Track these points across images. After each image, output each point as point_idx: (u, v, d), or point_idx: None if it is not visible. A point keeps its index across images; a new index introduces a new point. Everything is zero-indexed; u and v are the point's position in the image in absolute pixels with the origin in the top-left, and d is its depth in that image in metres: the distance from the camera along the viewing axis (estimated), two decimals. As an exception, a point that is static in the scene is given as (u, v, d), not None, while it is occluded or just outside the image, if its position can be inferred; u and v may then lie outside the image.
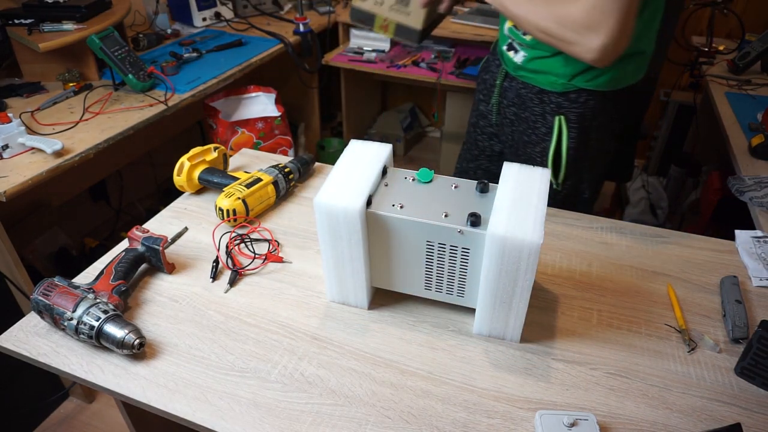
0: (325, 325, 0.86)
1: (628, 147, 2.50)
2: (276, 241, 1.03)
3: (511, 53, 1.17)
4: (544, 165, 1.17)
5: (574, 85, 1.09)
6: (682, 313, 0.88)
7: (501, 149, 1.34)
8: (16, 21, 1.69)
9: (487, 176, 1.37)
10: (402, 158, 3.01)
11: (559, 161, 1.16)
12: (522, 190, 0.77)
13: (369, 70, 2.41)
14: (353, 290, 0.87)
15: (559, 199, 1.21)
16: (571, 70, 1.08)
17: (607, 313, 0.88)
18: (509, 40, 1.17)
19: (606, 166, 1.25)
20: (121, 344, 0.77)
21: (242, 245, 1.01)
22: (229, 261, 0.97)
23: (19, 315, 1.14)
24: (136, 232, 0.96)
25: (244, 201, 1.04)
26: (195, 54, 2.00)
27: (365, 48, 2.51)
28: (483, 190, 0.81)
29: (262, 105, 2.32)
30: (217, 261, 0.97)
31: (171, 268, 0.96)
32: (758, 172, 1.40)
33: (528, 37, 1.10)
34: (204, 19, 2.30)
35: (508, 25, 1.16)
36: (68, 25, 1.70)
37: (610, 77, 1.09)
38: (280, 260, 0.99)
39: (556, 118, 1.13)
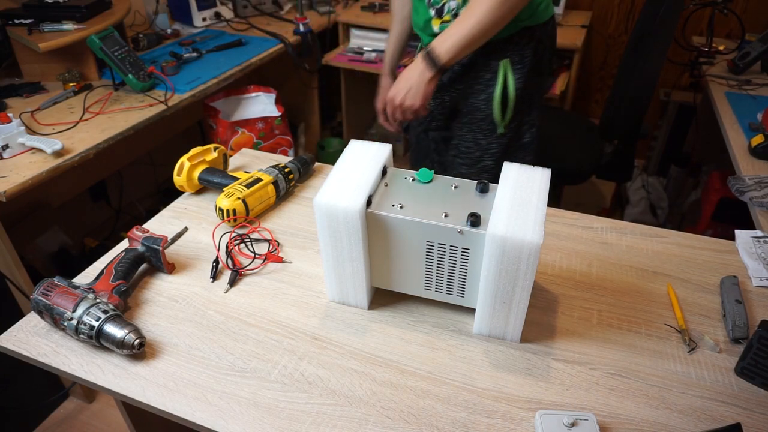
0: (325, 325, 0.86)
1: (628, 147, 2.50)
2: (276, 241, 1.03)
3: (437, 22, 1.23)
4: (489, 111, 1.25)
5: (518, 26, 1.17)
6: (682, 313, 0.88)
7: (443, 134, 1.39)
8: (16, 21, 1.69)
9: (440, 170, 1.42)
10: (402, 158, 3.01)
11: (505, 105, 1.23)
12: (522, 190, 0.77)
13: (369, 70, 2.41)
14: (353, 290, 0.87)
15: (502, 144, 1.28)
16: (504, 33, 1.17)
17: (607, 313, 0.88)
18: (432, 12, 1.23)
19: (539, 108, 1.34)
20: (121, 344, 0.78)
21: (242, 245, 1.01)
22: (229, 261, 0.97)
23: (19, 315, 1.15)
24: (136, 232, 0.96)
25: (244, 201, 1.04)
26: (195, 54, 2.00)
27: (365, 48, 2.51)
28: (483, 190, 0.81)
29: (262, 105, 2.32)
30: (217, 261, 0.97)
31: (171, 268, 0.96)
32: (758, 172, 1.40)
33: (455, 2, 1.18)
34: (204, 19, 2.30)
35: (436, 26, 1.23)
36: (68, 25, 1.70)
37: (545, 4, 1.20)
38: (280, 260, 0.99)
39: (501, 63, 1.20)
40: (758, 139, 1.46)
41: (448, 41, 1.10)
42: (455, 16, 1.17)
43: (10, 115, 1.39)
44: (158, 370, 0.78)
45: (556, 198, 2.36)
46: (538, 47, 1.23)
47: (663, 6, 1.64)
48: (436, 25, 1.23)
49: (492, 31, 1.10)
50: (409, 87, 1.15)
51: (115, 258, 0.92)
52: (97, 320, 0.78)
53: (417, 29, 1.33)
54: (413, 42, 1.50)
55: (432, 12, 1.22)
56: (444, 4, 1.19)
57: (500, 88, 1.22)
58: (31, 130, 1.48)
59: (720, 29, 2.35)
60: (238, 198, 1.04)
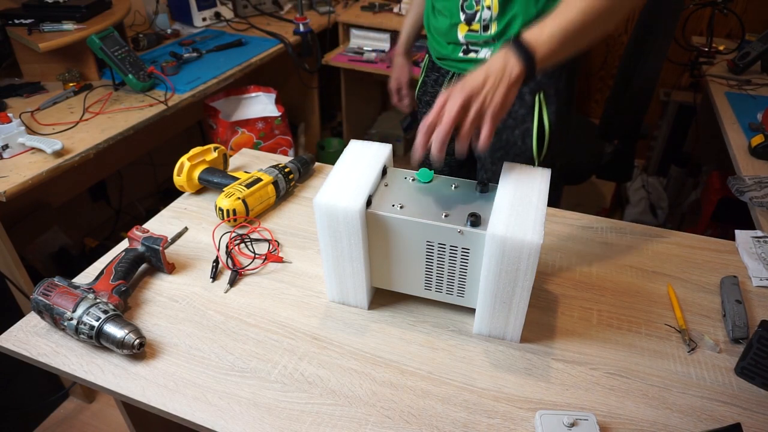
0: (325, 325, 0.86)
1: (628, 147, 2.50)
2: (276, 241, 1.03)
3: (471, 55, 1.14)
4: (527, 146, 1.15)
5: None
6: (682, 313, 0.88)
7: (462, 162, 1.30)
8: (16, 21, 1.69)
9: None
10: (402, 158, 3.01)
11: (541, 141, 1.15)
12: (522, 190, 0.77)
13: (369, 70, 2.41)
14: (353, 290, 0.87)
15: None
16: None
17: (607, 313, 0.88)
18: (463, 47, 1.14)
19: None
20: (121, 344, 0.77)
21: (242, 245, 1.01)
22: (229, 261, 0.97)
23: (19, 315, 1.14)
24: (136, 232, 0.96)
25: (244, 201, 1.04)
26: (195, 54, 2.00)
27: (365, 48, 2.51)
28: (483, 190, 0.81)
29: (262, 105, 2.32)
30: (217, 261, 0.97)
31: (171, 268, 0.96)
32: (758, 172, 1.40)
33: (491, 32, 1.07)
34: (204, 19, 2.30)
35: (461, 33, 1.11)
36: (68, 25, 1.70)
37: None
38: (280, 260, 0.98)
39: (536, 97, 1.12)
40: (758, 139, 1.46)
41: (545, 31, 0.80)
42: (485, 28, 1.08)
43: (10, 115, 1.39)
44: (158, 370, 0.78)
45: (556, 198, 2.35)
46: (572, 77, 1.15)
47: (663, 6, 1.64)
48: (461, 32, 1.12)
49: (598, 24, 0.83)
50: (486, 77, 0.78)
51: (115, 258, 0.92)
52: (97, 320, 0.78)
53: (434, 33, 1.19)
54: (417, 43, 1.44)
55: (462, 17, 1.10)
56: (477, 12, 1.07)
57: (537, 124, 1.13)
58: (31, 130, 1.48)
59: (720, 29, 2.35)
60: (238, 198, 1.04)
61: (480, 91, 0.76)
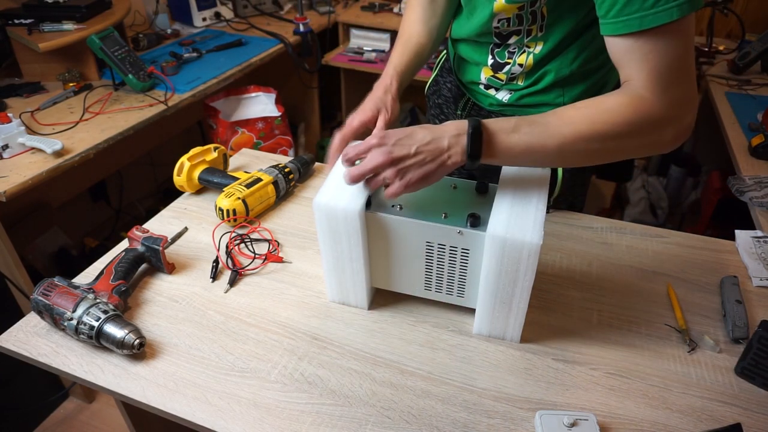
0: (325, 325, 0.86)
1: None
2: (276, 241, 1.03)
3: (491, 91, 1.05)
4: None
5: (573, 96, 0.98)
6: (682, 313, 0.87)
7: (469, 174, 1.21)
8: (16, 21, 1.69)
9: None
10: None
11: (553, 182, 1.04)
12: (522, 190, 0.77)
13: (369, 70, 2.41)
14: (353, 290, 0.87)
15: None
16: (568, 98, 0.98)
17: (607, 313, 0.88)
18: (482, 84, 1.05)
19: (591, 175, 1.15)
20: (121, 344, 0.77)
21: (242, 245, 1.01)
22: (229, 261, 0.97)
23: (19, 315, 1.14)
24: (136, 232, 0.96)
25: (244, 201, 1.04)
26: (195, 54, 2.00)
27: (365, 48, 2.51)
28: (483, 190, 0.81)
29: (262, 105, 2.32)
30: (217, 261, 0.97)
31: (171, 268, 0.96)
32: (758, 172, 1.40)
33: (518, 83, 0.99)
34: (204, 19, 2.30)
35: (484, 74, 1.02)
36: (68, 25, 1.70)
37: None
38: (280, 260, 0.98)
39: None
40: (758, 139, 1.46)
41: (514, 136, 0.72)
42: (511, 80, 0.99)
43: (10, 115, 1.39)
44: (158, 370, 0.78)
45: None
46: None
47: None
48: (485, 74, 1.02)
49: (575, 159, 0.76)
50: (419, 150, 0.71)
51: (115, 258, 0.92)
52: (97, 320, 0.78)
53: (467, 64, 1.07)
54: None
55: (489, 60, 0.99)
56: (507, 65, 0.97)
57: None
58: (31, 130, 1.48)
59: (720, 29, 2.35)
60: (238, 198, 1.04)
61: (403, 160, 0.71)
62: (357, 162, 0.76)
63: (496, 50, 0.98)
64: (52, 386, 1.72)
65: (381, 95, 0.96)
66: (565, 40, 0.91)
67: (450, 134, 0.72)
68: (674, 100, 0.71)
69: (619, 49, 0.73)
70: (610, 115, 0.72)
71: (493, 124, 0.73)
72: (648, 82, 0.70)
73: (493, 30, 0.94)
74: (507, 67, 0.98)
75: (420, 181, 0.72)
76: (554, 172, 1.05)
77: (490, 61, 1.00)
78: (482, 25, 0.94)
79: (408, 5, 1.10)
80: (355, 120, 0.90)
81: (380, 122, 0.93)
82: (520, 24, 0.91)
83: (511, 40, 0.94)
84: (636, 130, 0.72)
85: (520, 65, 0.96)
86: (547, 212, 1.07)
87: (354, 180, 0.75)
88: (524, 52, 0.95)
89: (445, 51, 1.21)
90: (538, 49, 0.93)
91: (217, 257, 0.98)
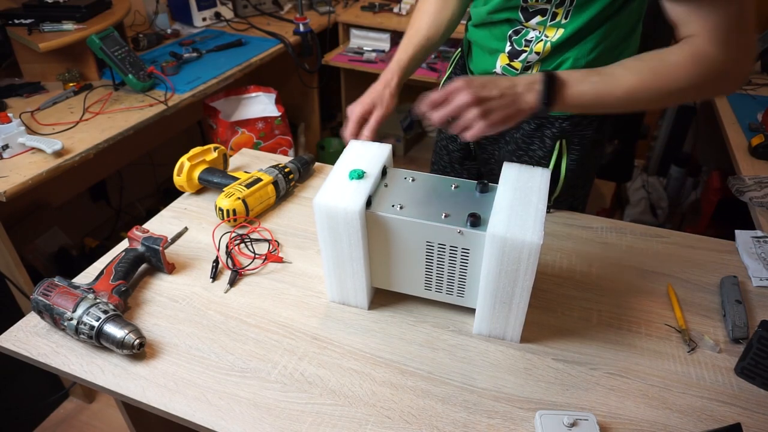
0: (325, 325, 0.86)
1: (628, 147, 2.50)
2: (276, 241, 1.03)
3: (504, 59, 1.05)
4: None
5: None
6: (682, 313, 0.87)
7: (478, 172, 1.24)
8: (16, 21, 1.69)
9: None
10: (402, 158, 3.01)
11: (554, 183, 1.08)
12: (522, 190, 0.77)
13: (369, 70, 2.41)
14: (353, 290, 0.87)
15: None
16: None
17: (607, 313, 0.88)
18: (507, 47, 1.03)
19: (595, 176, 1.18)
20: (121, 344, 0.77)
21: (242, 245, 1.01)
22: (229, 261, 0.97)
23: (19, 315, 1.14)
24: (136, 232, 0.96)
25: (244, 201, 1.04)
26: (195, 54, 2.00)
27: (365, 48, 2.51)
28: (483, 190, 0.81)
29: (262, 105, 2.32)
30: (217, 261, 0.97)
31: (171, 268, 0.96)
32: (758, 172, 1.40)
33: (535, 71, 0.99)
34: (204, 19, 2.30)
35: (500, 62, 1.02)
36: (68, 25, 1.70)
37: None
38: (280, 260, 0.98)
39: (557, 142, 1.04)
40: (758, 139, 1.46)
41: (582, 88, 0.79)
42: (525, 69, 0.99)
43: (10, 115, 1.39)
44: (158, 370, 0.78)
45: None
46: (604, 123, 1.05)
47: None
48: (500, 62, 1.02)
49: (640, 105, 0.83)
50: (502, 93, 0.78)
51: (115, 258, 0.92)
52: (97, 320, 0.78)
53: (482, 51, 1.06)
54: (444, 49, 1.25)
55: (507, 47, 0.99)
56: (524, 53, 0.98)
57: (552, 167, 1.05)
58: (31, 130, 1.48)
59: (720, 29, 2.35)
60: (238, 198, 1.04)
61: (489, 101, 0.77)
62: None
63: (514, 38, 0.99)
64: (52, 386, 1.72)
65: (380, 89, 1.02)
66: (586, 29, 0.92)
67: (525, 82, 0.79)
68: (734, 53, 0.75)
69: (677, 12, 0.76)
70: (675, 69, 0.77)
71: (564, 75, 0.80)
72: (709, 39, 0.74)
73: (521, 3, 0.94)
74: (524, 55, 0.99)
75: (503, 121, 0.79)
76: (556, 171, 1.06)
77: (507, 48, 1.00)
78: None
79: None
80: (355, 110, 0.98)
81: (374, 117, 0.98)
82: (548, 1, 0.91)
83: (534, 20, 0.94)
84: (699, 81, 0.77)
85: (537, 53, 0.97)
86: (548, 212, 1.08)
87: (440, 120, 0.79)
88: (541, 41, 0.96)
89: (460, 49, 1.20)
90: (557, 36, 0.94)
91: (217, 257, 0.98)
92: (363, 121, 0.99)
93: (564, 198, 1.11)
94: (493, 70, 1.04)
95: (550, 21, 0.93)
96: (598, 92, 0.79)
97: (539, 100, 0.78)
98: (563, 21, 0.92)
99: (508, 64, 1.01)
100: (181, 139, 2.45)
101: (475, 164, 1.24)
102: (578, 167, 1.07)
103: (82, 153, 1.43)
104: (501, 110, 0.78)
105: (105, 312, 0.79)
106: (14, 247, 1.40)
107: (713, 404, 0.74)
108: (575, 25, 0.91)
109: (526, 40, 0.97)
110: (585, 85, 0.79)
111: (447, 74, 1.24)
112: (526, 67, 1.00)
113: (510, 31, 0.98)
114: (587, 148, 1.06)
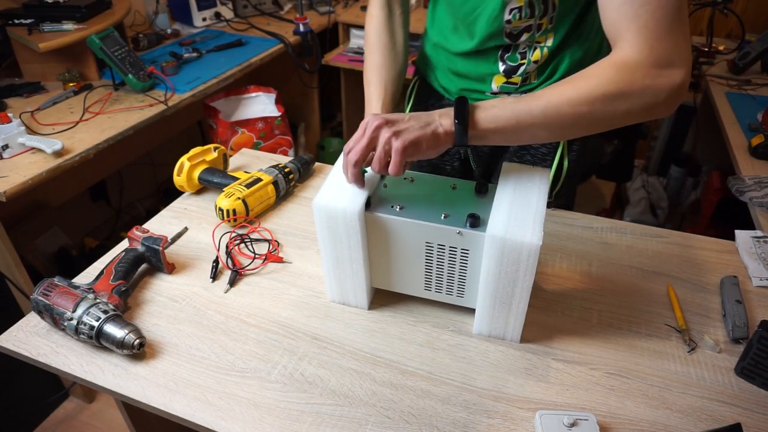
0: (325, 325, 0.86)
1: (628, 147, 2.50)
2: (276, 241, 1.03)
3: (500, 80, 1.03)
4: None
5: None
6: (682, 313, 0.87)
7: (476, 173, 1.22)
8: (16, 21, 1.69)
9: None
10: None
11: (557, 179, 1.08)
12: (521, 190, 0.77)
13: (369, 70, 2.40)
14: (353, 291, 0.87)
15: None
16: None
17: (607, 313, 0.88)
18: (501, 67, 1.00)
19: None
20: (121, 344, 0.77)
21: (242, 245, 1.01)
22: (229, 261, 0.97)
23: (19, 315, 1.14)
24: (136, 232, 0.96)
25: (244, 201, 1.04)
26: (195, 54, 2.00)
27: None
28: (482, 190, 0.81)
29: (262, 105, 2.32)
30: (217, 261, 0.97)
31: (171, 268, 0.96)
32: (758, 172, 1.40)
33: (531, 82, 0.99)
34: (204, 19, 2.30)
35: (496, 83, 1.00)
36: (68, 25, 1.70)
37: None
38: (280, 260, 0.98)
39: (561, 141, 1.05)
40: (758, 139, 1.46)
41: (497, 108, 0.74)
42: (524, 80, 0.98)
43: (10, 115, 1.39)
44: (158, 370, 0.78)
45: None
46: None
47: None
48: (497, 83, 1.00)
49: (562, 131, 0.77)
50: (412, 116, 0.75)
51: (115, 258, 0.92)
52: (97, 320, 0.78)
53: (467, 80, 1.04)
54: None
55: (501, 67, 0.98)
56: (521, 66, 0.96)
57: (555, 166, 1.06)
58: (31, 130, 1.48)
59: (720, 29, 2.35)
60: (238, 198, 1.04)
61: (399, 123, 0.74)
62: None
63: (506, 55, 0.97)
64: (52, 386, 1.72)
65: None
66: (575, 26, 0.92)
67: (443, 111, 0.76)
68: (662, 56, 0.69)
69: (609, 18, 0.72)
70: (594, 76, 0.71)
71: (479, 102, 0.76)
72: (635, 43, 0.69)
73: (504, 28, 0.92)
74: (522, 68, 0.97)
75: (417, 141, 0.73)
76: (560, 163, 1.07)
77: (501, 68, 0.98)
78: (491, 22, 0.92)
79: (367, 28, 1.12)
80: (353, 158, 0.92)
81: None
82: (531, 16, 0.89)
83: (522, 38, 0.93)
84: (620, 89, 0.70)
85: (535, 62, 0.95)
86: (549, 207, 1.08)
87: (356, 161, 0.75)
88: (536, 48, 0.94)
89: (416, 77, 1.16)
90: (550, 41, 0.93)
91: (217, 257, 0.98)
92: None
93: (563, 192, 1.11)
94: (485, 91, 1.02)
95: (538, 32, 0.93)
96: (515, 111, 0.73)
97: (452, 121, 0.73)
98: (550, 26, 0.92)
99: (506, 82, 1.00)
100: (181, 139, 2.45)
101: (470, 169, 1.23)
102: (578, 157, 1.08)
103: (82, 153, 1.43)
104: (414, 131, 0.73)
105: (105, 312, 0.79)
106: (14, 247, 1.40)
107: (713, 404, 0.74)
108: (566, 25, 0.92)
109: (520, 54, 0.96)
110: (498, 108, 0.74)
111: (409, 107, 1.20)
112: (525, 79, 0.99)
113: (500, 51, 0.97)
114: (585, 144, 1.07)
